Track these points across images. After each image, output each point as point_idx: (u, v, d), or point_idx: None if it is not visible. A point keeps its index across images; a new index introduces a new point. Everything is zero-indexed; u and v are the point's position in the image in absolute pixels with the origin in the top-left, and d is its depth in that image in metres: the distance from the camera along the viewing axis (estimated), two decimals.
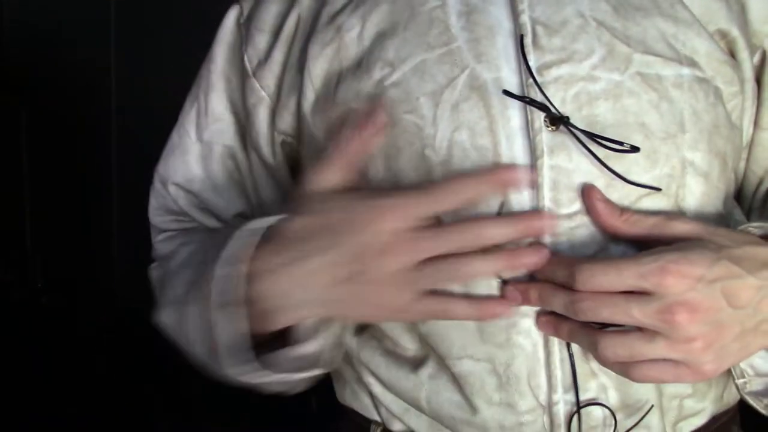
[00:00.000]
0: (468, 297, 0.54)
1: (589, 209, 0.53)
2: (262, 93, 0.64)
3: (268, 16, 0.64)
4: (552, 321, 0.54)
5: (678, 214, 0.54)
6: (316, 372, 0.58)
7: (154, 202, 0.75)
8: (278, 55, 0.63)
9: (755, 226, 0.54)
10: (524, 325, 0.55)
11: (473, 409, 0.57)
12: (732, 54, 0.59)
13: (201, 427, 3.20)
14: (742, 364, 0.55)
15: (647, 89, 0.54)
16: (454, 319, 0.54)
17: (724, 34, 0.58)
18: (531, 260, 0.52)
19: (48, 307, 2.49)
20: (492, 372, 0.56)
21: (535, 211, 0.53)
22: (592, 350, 0.51)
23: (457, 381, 0.57)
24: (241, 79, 0.67)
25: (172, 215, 0.73)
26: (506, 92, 0.54)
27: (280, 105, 0.63)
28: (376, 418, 0.64)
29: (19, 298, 2.33)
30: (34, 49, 3.17)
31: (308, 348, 0.55)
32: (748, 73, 0.60)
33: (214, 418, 3.26)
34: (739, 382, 0.56)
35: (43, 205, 2.52)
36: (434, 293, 0.53)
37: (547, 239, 0.54)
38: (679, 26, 0.56)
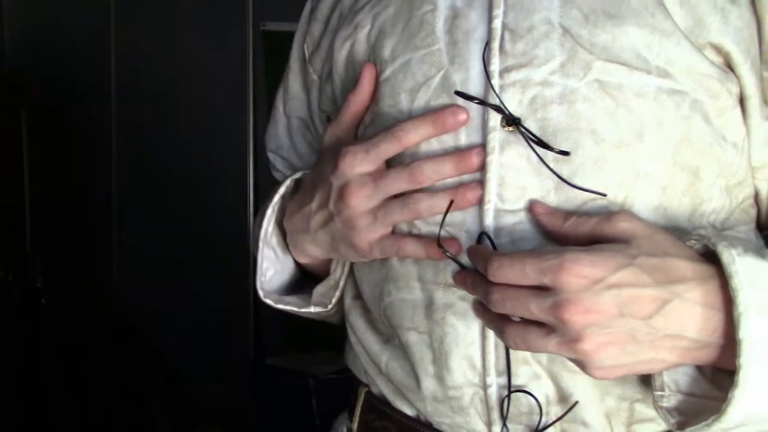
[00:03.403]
0: (417, 237, 0.60)
1: (535, 216, 0.56)
2: (314, 76, 0.74)
3: (325, 7, 0.72)
4: (481, 308, 0.56)
5: (623, 211, 0.54)
6: (321, 309, 0.72)
7: (271, 163, 0.88)
8: (325, 43, 0.71)
9: (695, 238, 0.53)
10: (461, 308, 0.59)
11: (417, 378, 0.62)
12: (730, 67, 0.57)
13: (200, 428, 3.20)
14: (665, 378, 0.53)
15: (604, 97, 0.55)
16: (407, 257, 0.61)
17: (717, 47, 0.57)
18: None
19: (48, 307, 2.48)
20: (429, 346, 0.61)
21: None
22: (500, 338, 0.54)
23: (406, 351, 0.63)
24: (303, 63, 0.77)
25: (279, 173, 0.85)
26: (458, 93, 0.58)
27: (323, 89, 0.73)
28: (363, 379, 0.72)
29: (19, 298, 2.32)
30: (34, 49, 3.17)
31: (318, 289, 0.70)
32: (750, 89, 0.58)
33: (214, 418, 3.26)
34: (657, 394, 0.54)
35: (43, 205, 2.52)
36: (393, 235, 0.61)
37: (490, 232, 0.57)
38: (655, 35, 0.56)
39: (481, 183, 0.57)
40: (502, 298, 0.51)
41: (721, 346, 0.50)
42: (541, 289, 0.50)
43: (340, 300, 0.71)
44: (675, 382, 0.53)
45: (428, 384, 0.61)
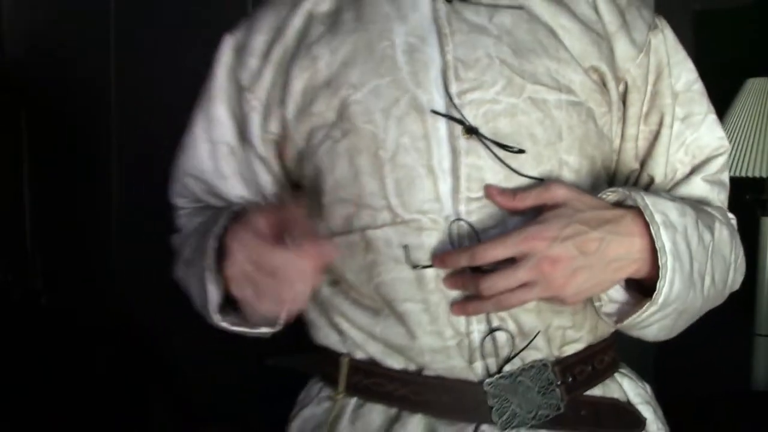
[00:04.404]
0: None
1: (491, 199, 0.75)
2: (255, 103, 0.85)
3: (257, 44, 0.86)
4: (454, 279, 0.76)
5: (555, 181, 0.76)
6: (269, 329, 0.85)
7: (174, 189, 1.01)
8: (267, 74, 0.84)
9: (610, 191, 0.77)
10: (442, 276, 0.77)
11: (413, 337, 0.79)
12: (603, 83, 0.82)
13: (200, 428, 3.20)
14: (601, 295, 0.77)
15: (535, 110, 0.77)
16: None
17: (596, 69, 0.81)
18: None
19: (48, 308, 2.48)
20: (425, 311, 0.77)
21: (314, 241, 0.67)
22: (498, 309, 0.74)
23: (401, 318, 0.79)
24: (238, 92, 0.87)
25: (187, 199, 0.98)
26: (434, 111, 0.76)
27: (269, 112, 0.84)
28: (343, 350, 0.85)
29: (19, 298, 2.32)
30: (35, 49, 3.17)
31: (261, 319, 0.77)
32: (615, 98, 0.83)
33: (214, 418, 3.26)
34: (597, 304, 0.79)
35: (43, 205, 2.52)
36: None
37: (462, 215, 0.76)
38: (560, 64, 0.78)
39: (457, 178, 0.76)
40: (493, 283, 0.72)
41: (644, 259, 0.74)
42: (511, 262, 0.72)
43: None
44: (607, 294, 0.77)
45: (426, 341, 0.78)
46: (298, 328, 3.21)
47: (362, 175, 0.77)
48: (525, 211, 0.75)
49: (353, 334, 0.84)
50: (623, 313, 0.77)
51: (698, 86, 0.88)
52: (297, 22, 0.83)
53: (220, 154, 0.90)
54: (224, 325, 0.85)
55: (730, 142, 2.47)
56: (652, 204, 0.73)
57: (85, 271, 3.00)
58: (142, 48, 3.27)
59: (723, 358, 2.97)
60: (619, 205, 0.77)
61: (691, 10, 3.24)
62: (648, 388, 0.90)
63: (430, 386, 0.79)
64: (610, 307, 0.78)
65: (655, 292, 0.73)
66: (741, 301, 2.61)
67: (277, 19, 0.85)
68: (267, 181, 0.89)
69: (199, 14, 3.30)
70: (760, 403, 2.13)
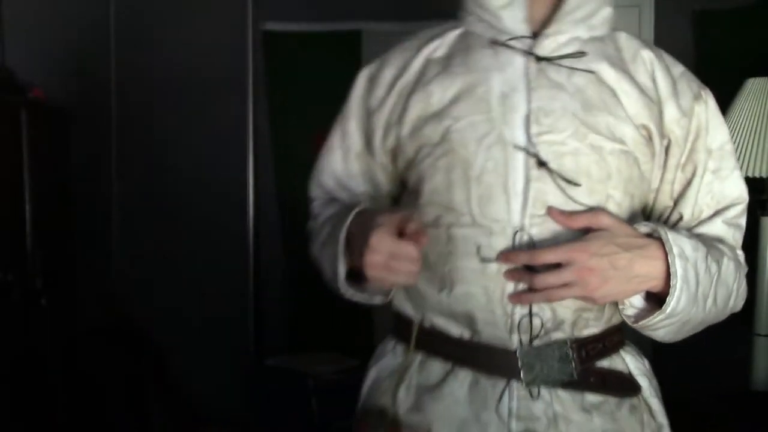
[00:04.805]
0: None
1: (551, 217, 0.97)
2: (378, 122, 1.09)
3: (386, 76, 1.10)
4: (513, 273, 0.98)
5: (602, 210, 0.98)
6: (384, 297, 1.09)
7: (312, 183, 1.22)
8: (390, 102, 1.08)
9: (643, 225, 0.99)
10: (501, 272, 0.98)
11: (471, 311, 1.01)
12: (650, 138, 1.02)
13: (199, 428, 3.20)
14: (625, 300, 0.99)
15: (593, 153, 0.98)
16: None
17: (645, 127, 1.02)
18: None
19: (48, 307, 2.48)
20: (484, 294, 0.99)
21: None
22: (530, 284, 0.96)
23: (464, 296, 1.01)
24: (367, 113, 1.12)
25: (321, 191, 1.20)
26: (516, 146, 0.98)
27: (388, 131, 1.08)
28: (415, 317, 1.07)
29: (19, 298, 2.32)
30: (34, 49, 3.17)
31: (378, 289, 1.06)
32: (658, 150, 1.04)
33: (213, 418, 3.26)
34: (620, 307, 1.01)
35: (43, 205, 2.52)
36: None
37: (525, 228, 0.98)
38: (618, 120, 1.00)
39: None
40: (544, 279, 0.95)
41: (660, 278, 0.96)
42: (558, 267, 0.94)
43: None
44: (630, 301, 0.99)
45: (480, 315, 1.00)
46: (298, 328, 3.20)
47: (453, 187, 1.00)
48: (574, 230, 0.97)
49: (424, 305, 1.06)
50: (639, 317, 0.99)
51: (729, 146, 1.07)
52: (417, 64, 1.07)
53: (350, 158, 1.16)
54: (349, 293, 1.06)
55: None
56: (672, 239, 0.95)
57: (85, 271, 3.00)
58: (141, 49, 3.27)
59: (723, 358, 2.97)
60: (648, 236, 0.98)
61: (691, 10, 3.24)
62: (646, 362, 1.11)
63: (477, 350, 1.02)
64: (630, 311, 1.00)
65: (665, 304, 0.95)
66: None
67: (403, 59, 1.09)
68: (383, 180, 1.15)
69: (200, 16, 3.30)
70: (760, 403, 2.13)
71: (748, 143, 2.21)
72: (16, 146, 2.39)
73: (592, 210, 0.97)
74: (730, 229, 1.06)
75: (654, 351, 3.03)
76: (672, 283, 0.94)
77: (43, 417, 2.52)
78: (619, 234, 0.95)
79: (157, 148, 3.27)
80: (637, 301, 0.99)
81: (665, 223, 1.07)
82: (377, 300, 1.08)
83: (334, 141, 1.17)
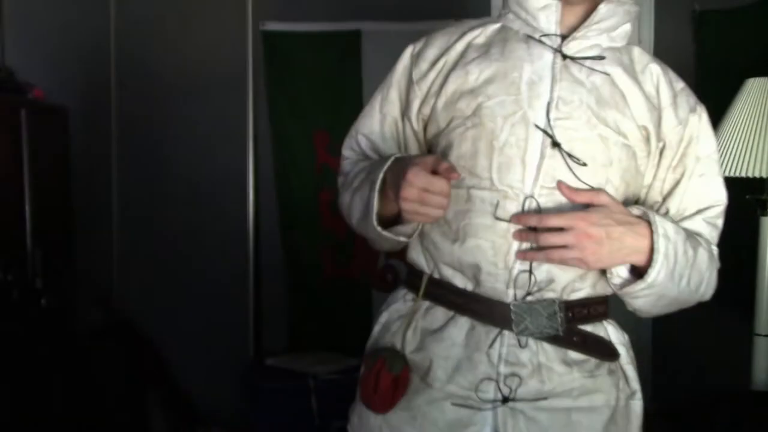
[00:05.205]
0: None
1: (559, 190, 1.12)
2: (419, 92, 1.24)
3: (430, 54, 1.24)
4: (521, 233, 1.12)
5: (603, 190, 1.13)
6: (407, 237, 1.19)
7: (346, 142, 1.34)
8: (431, 76, 1.23)
9: (636, 208, 1.15)
10: (511, 232, 1.13)
11: (478, 262, 1.15)
12: (648, 138, 1.18)
13: (199, 428, 3.20)
14: (613, 269, 1.14)
15: (600, 142, 1.14)
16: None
17: (645, 128, 1.18)
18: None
19: (48, 307, 2.49)
20: (491, 249, 1.14)
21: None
22: (535, 242, 1.11)
23: (474, 248, 1.15)
24: (408, 84, 1.26)
25: (354, 152, 1.33)
26: (536, 126, 1.13)
27: (425, 101, 1.23)
28: (426, 270, 1.22)
29: (19, 298, 2.32)
30: (34, 49, 3.17)
31: (404, 229, 1.18)
32: (654, 150, 1.19)
33: (214, 418, 3.26)
34: (608, 275, 1.15)
35: (43, 205, 2.52)
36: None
37: (536, 196, 1.12)
38: (624, 118, 1.16)
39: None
40: (547, 238, 1.09)
41: (645, 253, 1.11)
42: (561, 230, 1.09)
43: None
44: (617, 271, 1.14)
45: (485, 266, 1.14)
46: (297, 328, 3.20)
47: (478, 155, 1.15)
48: (576, 204, 1.12)
49: (436, 256, 1.20)
50: (623, 285, 1.14)
51: (716, 156, 1.23)
52: (459, 46, 1.23)
53: (387, 123, 1.29)
54: (379, 229, 1.17)
55: (730, 142, 2.47)
56: (659, 221, 1.12)
57: (85, 271, 3.00)
58: (141, 49, 3.27)
59: (723, 358, 2.97)
60: (639, 217, 1.13)
61: (691, 10, 3.24)
62: (626, 336, 1.24)
63: (477, 300, 1.16)
64: (616, 279, 1.15)
65: (646, 274, 1.11)
66: (741, 301, 2.62)
67: (448, 41, 1.24)
68: (413, 146, 1.28)
69: (200, 16, 3.30)
70: (760, 403, 2.13)
71: (748, 143, 2.21)
72: (16, 146, 2.39)
73: (593, 189, 1.13)
74: (708, 226, 1.22)
75: (654, 351, 3.04)
76: (654, 258, 1.10)
77: (43, 417, 2.52)
78: (615, 211, 1.10)
79: (157, 148, 3.27)
80: (623, 272, 1.14)
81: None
82: (402, 239, 1.19)
83: (375, 106, 1.30)
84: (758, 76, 2.31)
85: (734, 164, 2.19)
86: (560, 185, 1.11)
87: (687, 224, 1.20)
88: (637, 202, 1.22)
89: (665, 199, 1.22)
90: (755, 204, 2.24)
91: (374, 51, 3.08)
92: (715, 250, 1.23)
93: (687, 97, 1.21)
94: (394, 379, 1.16)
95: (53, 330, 2.59)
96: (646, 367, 3.76)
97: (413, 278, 1.25)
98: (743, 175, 2.15)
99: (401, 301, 1.27)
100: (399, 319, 1.25)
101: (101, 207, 3.25)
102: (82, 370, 2.83)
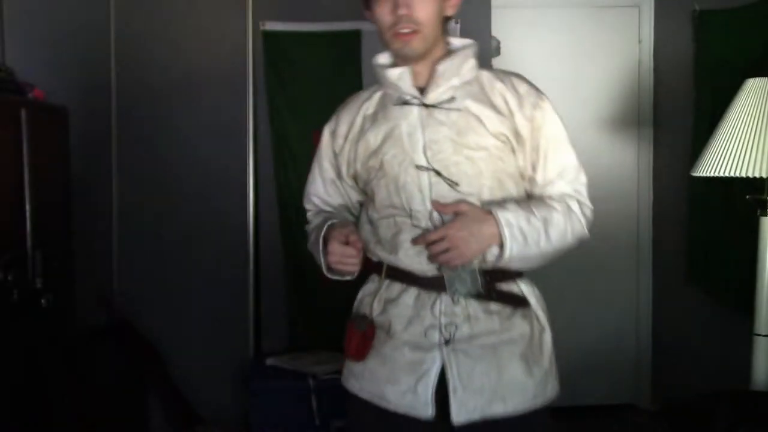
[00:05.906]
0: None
1: (434, 208, 1.51)
2: (342, 161, 1.65)
3: (341, 131, 1.65)
4: (419, 240, 1.52)
5: (465, 201, 1.51)
6: (351, 277, 1.59)
7: (305, 200, 1.75)
8: (347, 147, 1.64)
9: (486, 208, 1.50)
10: (415, 234, 1.55)
11: (409, 262, 1.55)
12: (508, 140, 1.53)
13: (198, 428, 3.20)
14: (485, 253, 1.51)
15: (467, 162, 1.51)
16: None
17: (504, 134, 1.53)
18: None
19: (48, 307, 2.49)
20: (416, 255, 1.53)
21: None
22: (443, 260, 1.49)
23: (403, 258, 1.55)
24: (333, 155, 1.67)
25: (311, 205, 1.75)
26: (420, 166, 1.52)
27: (349, 166, 1.64)
28: (383, 261, 1.60)
29: (19, 298, 2.32)
30: (35, 49, 3.17)
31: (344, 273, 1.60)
32: (515, 146, 1.54)
33: (214, 418, 3.26)
34: (487, 254, 1.50)
35: (43, 205, 2.52)
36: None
37: (435, 215, 1.51)
38: (482, 137, 1.52)
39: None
40: (434, 249, 1.48)
41: (498, 236, 1.48)
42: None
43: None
44: (489, 252, 1.50)
45: (416, 268, 1.54)
46: (298, 328, 3.20)
47: (391, 195, 1.56)
48: (450, 214, 1.51)
49: (384, 257, 1.59)
50: (498, 259, 1.50)
51: (562, 135, 1.58)
52: (358, 120, 1.63)
53: (328, 184, 1.71)
54: (328, 274, 1.58)
55: (729, 142, 2.47)
56: (500, 214, 1.48)
57: (85, 271, 3.00)
58: (141, 49, 3.27)
59: (723, 358, 2.97)
60: (489, 213, 1.50)
61: (691, 10, 3.24)
62: (536, 289, 1.62)
63: (418, 277, 1.55)
64: (490, 257, 1.51)
65: (504, 251, 1.48)
66: (741, 301, 2.61)
67: (351, 117, 1.64)
68: (352, 194, 1.70)
69: (199, 16, 3.30)
70: (760, 403, 2.13)
71: (748, 143, 2.20)
72: (16, 146, 2.39)
73: (456, 202, 1.50)
74: (569, 185, 1.58)
75: (654, 351, 3.03)
76: (503, 241, 1.47)
77: (43, 417, 2.52)
78: (472, 215, 1.48)
79: (156, 148, 3.27)
80: (493, 251, 1.50)
81: (530, 184, 1.60)
82: (348, 277, 1.59)
83: (315, 174, 1.73)
84: (758, 76, 2.31)
85: (734, 164, 2.19)
86: (434, 204, 1.51)
87: (554, 188, 1.57)
88: (523, 177, 1.59)
89: (534, 172, 1.58)
90: (755, 204, 2.24)
91: (374, 51, 3.07)
92: (582, 200, 1.59)
93: (529, 97, 1.56)
94: (362, 334, 1.57)
95: (53, 330, 2.59)
96: (646, 367, 3.56)
97: (378, 267, 1.63)
98: (743, 175, 2.14)
99: (370, 283, 1.66)
100: (369, 295, 1.64)
101: (101, 207, 3.25)
102: (82, 370, 2.82)
